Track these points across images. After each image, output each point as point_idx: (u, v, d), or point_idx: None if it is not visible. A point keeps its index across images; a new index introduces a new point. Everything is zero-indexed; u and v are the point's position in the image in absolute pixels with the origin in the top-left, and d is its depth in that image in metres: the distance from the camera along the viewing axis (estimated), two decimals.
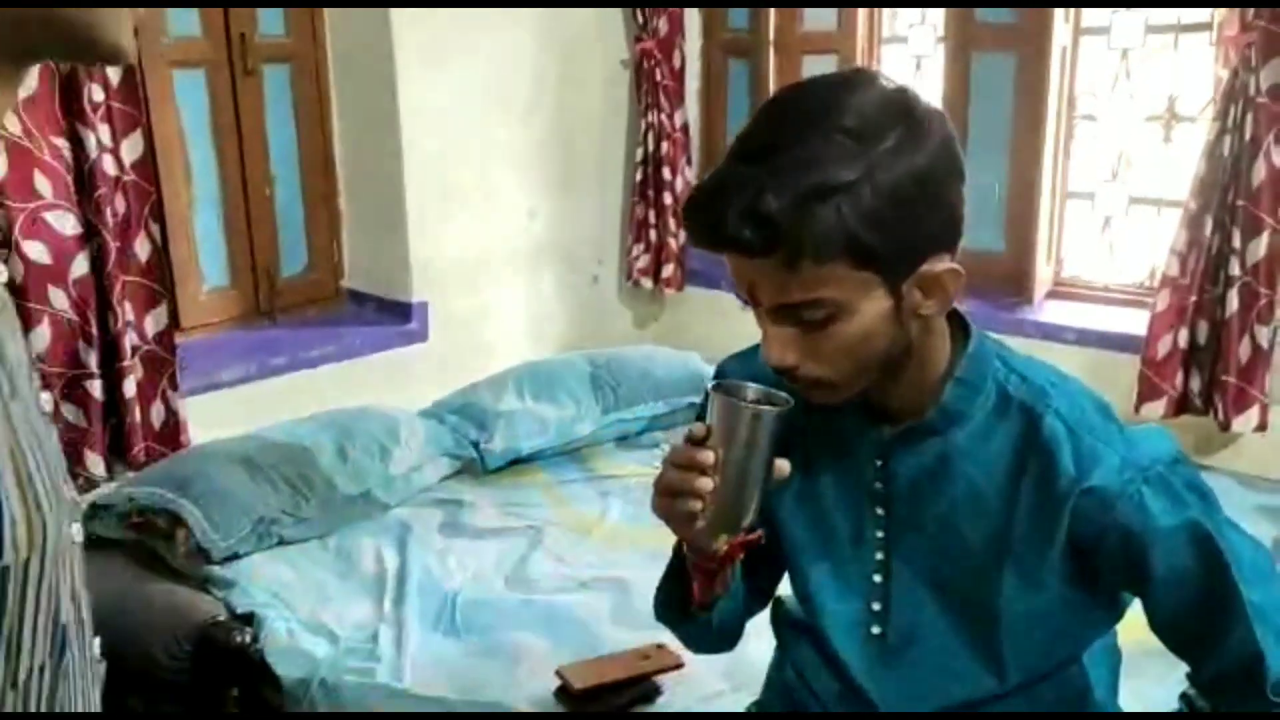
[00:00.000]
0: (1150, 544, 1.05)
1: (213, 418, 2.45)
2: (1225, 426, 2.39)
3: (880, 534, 1.19)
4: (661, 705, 1.63)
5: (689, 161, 3.29)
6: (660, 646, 1.69)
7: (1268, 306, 2.35)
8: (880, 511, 1.19)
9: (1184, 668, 1.16)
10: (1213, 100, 2.38)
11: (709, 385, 1.08)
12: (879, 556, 1.19)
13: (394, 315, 2.89)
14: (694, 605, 1.24)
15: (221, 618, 1.86)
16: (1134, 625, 1.20)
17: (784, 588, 1.33)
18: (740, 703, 1.43)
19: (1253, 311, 2.35)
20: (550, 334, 3.23)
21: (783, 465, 1.08)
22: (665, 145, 3.20)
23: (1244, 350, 2.36)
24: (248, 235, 2.74)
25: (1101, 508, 1.05)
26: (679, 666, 1.67)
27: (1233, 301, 2.35)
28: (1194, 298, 2.41)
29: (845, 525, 1.21)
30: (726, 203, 0.98)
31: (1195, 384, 2.45)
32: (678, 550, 1.24)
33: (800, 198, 0.96)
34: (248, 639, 1.81)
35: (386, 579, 2.01)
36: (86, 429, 2.17)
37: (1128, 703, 1.27)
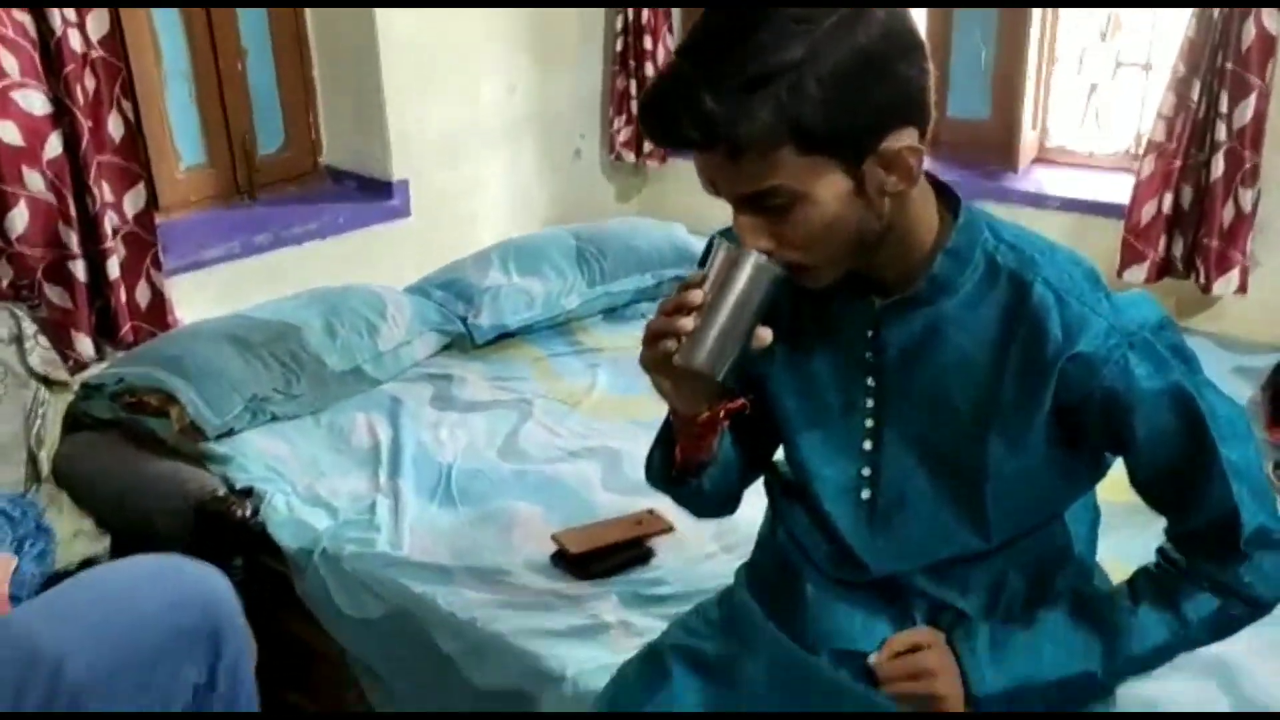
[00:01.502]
0: (1134, 407, 1.08)
1: (197, 297, 2.44)
2: (1206, 289, 2.42)
3: (870, 403, 1.21)
4: (654, 567, 1.68)
5: (670, 29, 3.21)
6: (651, 512, 1.74)
7: (1252, 171, 2.36)
8: (870, 381, 1.21)
9: (1159, 524, 1.21)
10: None
11: (717, 233, 1.09)
12: (869, 424, 1.22)
13: (375, 192, 2.86)
14: (675, 468, 1.28)
15: (221, 492, 1.89)
16: (1113, 483, 1.24)
17: (778, 453, 1.36)
18: (730, 564, 1.47)
19: (1237, 175, 2.35)
20: (533, 209, 3.20)
21: (764, 333, 1.10)
22: (645, 13, 3.13)
23: (1227, 214, 2.37)
24: (222, 112, 2.68)
25: (1088, 373, 1.08)
26: (670, 530, 1.71)
27: (1218, 166, 2.35)
28: (1179, 162, 2.41)
29: (836, 395, 1.24)
30: (670, 103, 1.00)
31: (1178, 248, 2.47)
32: (668, 417, 1.27)
33: (738, 91, 0.96)
34: (248, 512, 1.85)
35: (381, 452, 2.04)
36: (72, 310, 2.16)
37: (1105, 557, 1.32)
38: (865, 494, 1.23)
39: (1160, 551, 1.21)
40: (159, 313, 2.32)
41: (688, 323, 1.07)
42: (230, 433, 2.06)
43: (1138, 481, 1.15)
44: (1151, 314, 1.12)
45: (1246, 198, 2.37)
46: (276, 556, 1.87)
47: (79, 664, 1.15)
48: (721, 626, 1.34)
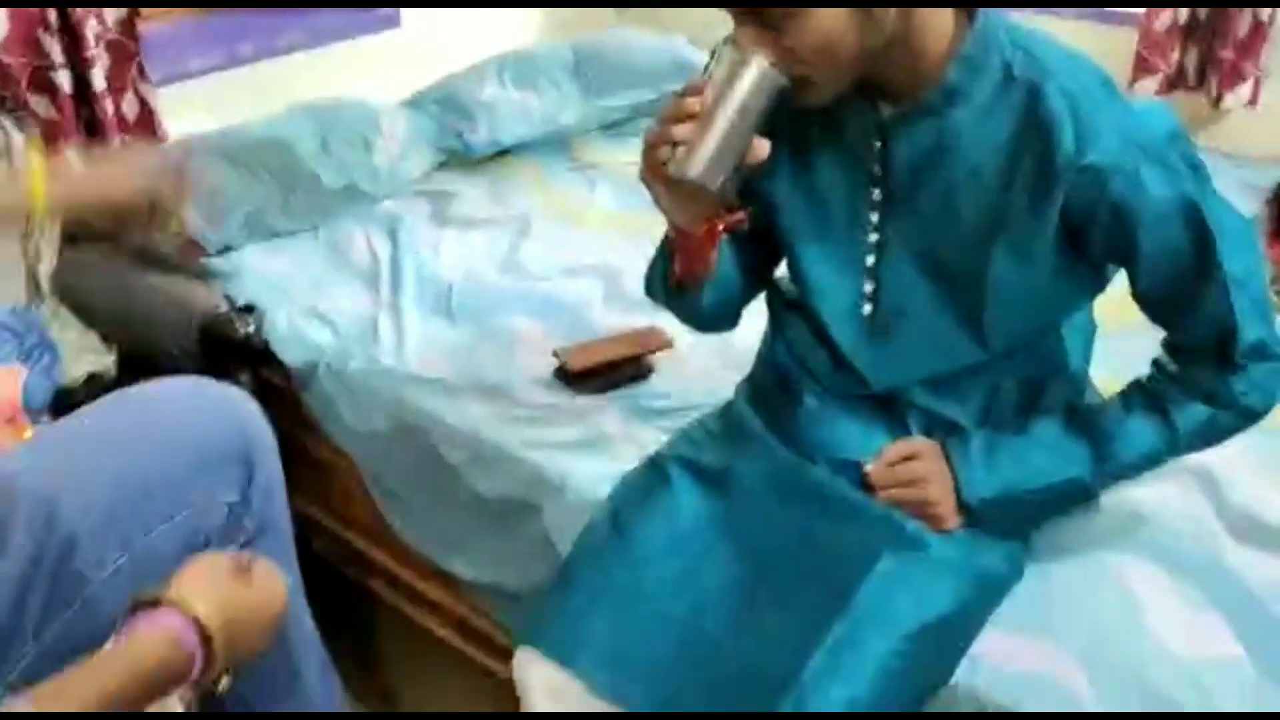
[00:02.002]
0: (1141, 218, 1.08)
1: (185, 110, 2.38)
2: (1217, 103, 2.37)
3: (875, 216, 1.21)
4: (654, 382, 1.71)
5: None
6: (652, 328, 1.75)
7: None
8: (876, 194, 1.20)
9: (1154, 341, 1.22)
10: None
11: (724, 38, 1.07)
12: (873, 238, 1.22)
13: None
14: (673, 282, 1.28)
15: (223, 309, 1.89)
16: (1109, 299, 1.25)
17: (780, 268, 1.36)
18: (730, 379, 1.50)
19: None
20: (528, 20, 3.09)
21: (761, 145, 1.09)
22: None
23: (1243, 25, 2.30)
24: None
25: (1098, 183, 1.07)
26: (670, 346, 1.73)
27: None
28: None
29: (841, 208, 1.23)
30: None
31: (1191, 60, 2.40)
32: (668, 230, 1.26)
33: None
34: (251, 328, 1.86)
35: (381, 269, 2.04)
36: (59, 122, 2.12)
37: (1098, 370, 1.34)
38: (866, 308, 1.25)
39: (1155, 362, 1.23)
40: (147, 125, 2.26)
41: (683, 130, 1.06)
42: (229, 249, 2.05)
43: (1139, 292, 1.16)
44: (1165, 124, 1.10)
45: (1265, 10, 2.29)
46: (281, 372, 1.89)
47: (96, 490, 1.16)
48: (721, 437, 1.37)
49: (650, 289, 1.36)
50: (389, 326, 1.87)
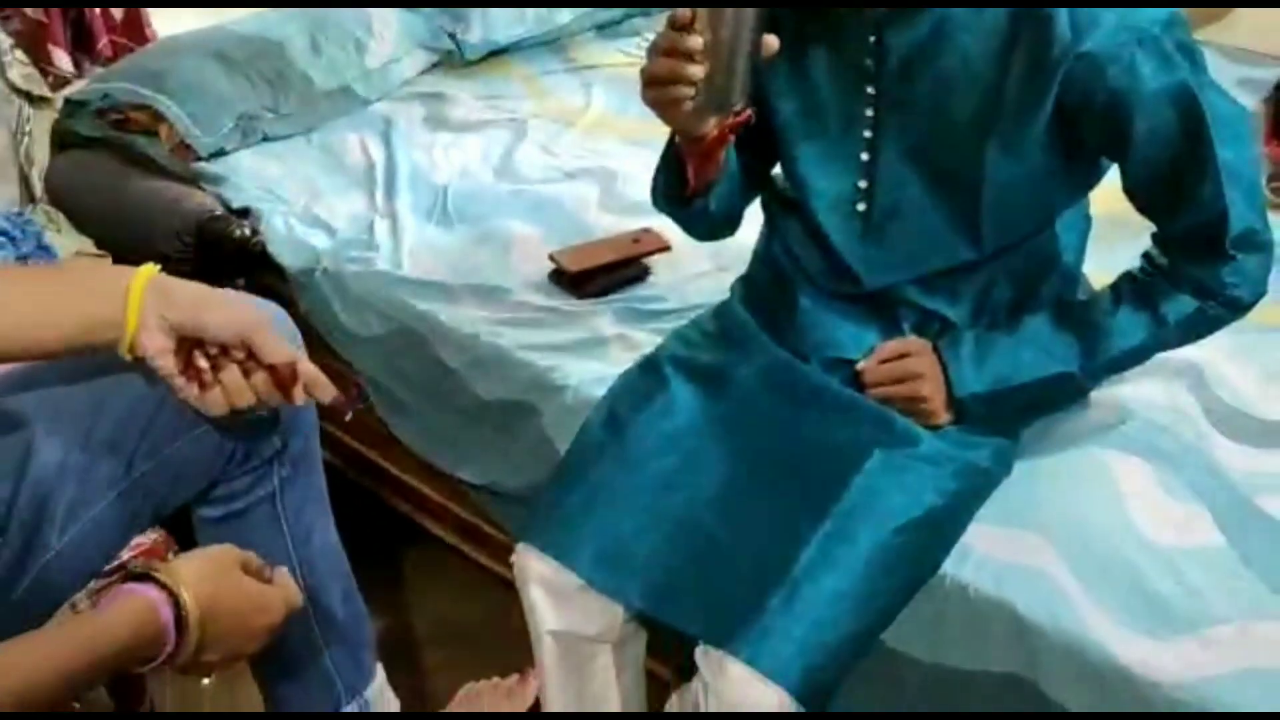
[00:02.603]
0: (1135, 106, 1.08)
1: (172, 10, 2.35)
2: None
3: (870, 112, 1.21)
4: (650, 284, 1.72)
5: None
6: (648, 230, 1.75)
7: None
8: (870, 90, 1.20)
9: (1146, 237, 1.23)
10: None
11: None
12: (867, 135, 1.22)
13: None
14: (689, 191, 1.28)
15: (218, 212, 1.89)
16: (1103, 194, 1.25)
17: (776, 167, 1.36)
18: (724, 280, 1.51)
19: None
20: None
21: (770, 41, 1.08)
22: None
23: None
24: None
25: (1093, 72, 1.07)
26: (667, 248, 1.73)
27: None
28: None
29: (835, 104, 1.23)
30: None
31: None
32: (670, 138, 1.26)
33: None
34: (247, 232, 1.86)
35: (375, 173, 2.03)
36: (46, 22, 2.09)
37: (1091, 268, 1.35)
38: (861, 206, 1.25)
39: (1145, 255, 1.24)
40: (135, 25, 2.25)
41: (697, 70, 1.05)
42: (222, 152, 2.04)
43: (1131, 183, 1.17)
44: (1161, 12, 1.09)
45: None
46: (277, 276, 1.90)
47: None
48: (717, 337, 1.38)
49: (656, 198, 1.35)
50: (385, 230, 1.87)
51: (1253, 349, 1.47)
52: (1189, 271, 1.18)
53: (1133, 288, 1.22)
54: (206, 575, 0.97)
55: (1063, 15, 1.07)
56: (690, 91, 1.07)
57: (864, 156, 1.23)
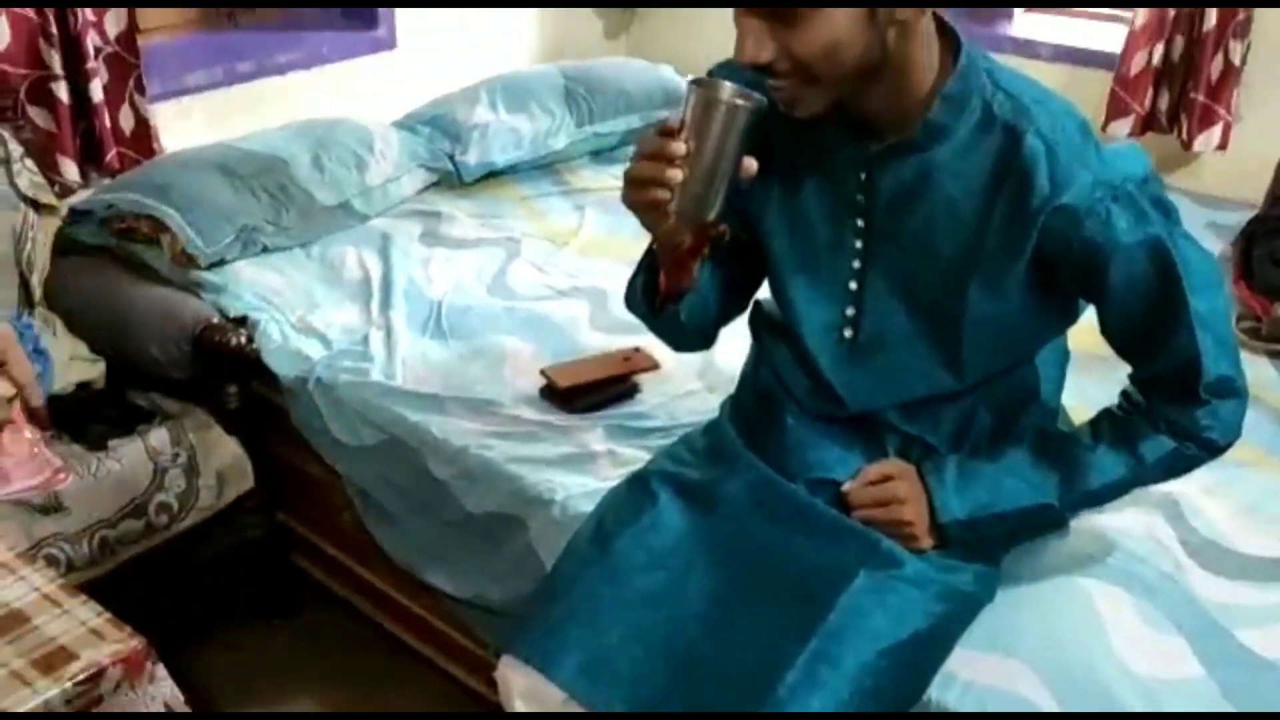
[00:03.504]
0: (1111, 257, 1.13)
1: (180, 125, 2.42)
2: (1188, 145, 2.44)
3: (858, 244, 1.26)
4: (639, 402, 1.75)
5: None
6: (638, 349, 1.79)
7: (1244, 22, 2.35)
8: (860, 223, 1.25)
9: (1123, 371, 1.27)
10: None
11: (689, 79, 1.11)
12: (855, 265, 1.26)
13: (361, 21, 2.80)
14: (659, 296, 1.31)
15: (216, 320, 1.92)
16: (1081, 330, 1.30)
17: (763, 291, 1.40)
18: (712, 400, 1.55)
19: (1230, 26, 2.34)
20: (520, 45, 3.14)
21: (750, 164, 1.13)
22: None
23: (1216, 67, 2.38)
24: None
25: (1071, 223, 1.12)
26: (656, 367, 1.77)
27: (1211, 16, 2.34)
28: (1173, 12, 2.39)
29: (825, 235, 1.27)
30: None
31: (1163, 102, 2.48)
32: (650, 245, 1.30)
33: None
34: (243, 340, 1.89)
35: (372, 286, 2.07)
36: (56, 133, 2.14)
37: (1069, 401, 1.39)
38: (848, 333, 1.29)
39: (1123, 394, 1.27)
40: (144, 139, 2.30)
41: (675, 174, 1.10)
42: (221, 262, 2.08)
43: (1107, 328, 1.21)
44: (1137, 167, 1.16)
45: (1236, 51, 2.36)
46: (269, 384, 1.92)
47: None
48: (705, 455, 1.41)
49: (630, 302, 1.39)
50: (380, 342, 1.90)
51: (1228, 484, 1.51)
52: (1166, 413, 1.22)
53: (1112, 425, 1.26)
54: None
55: (1043, 167, 1.12)
56: (667, 195, 1.11)
57: (852, 286, 1.27)
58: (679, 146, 1.09)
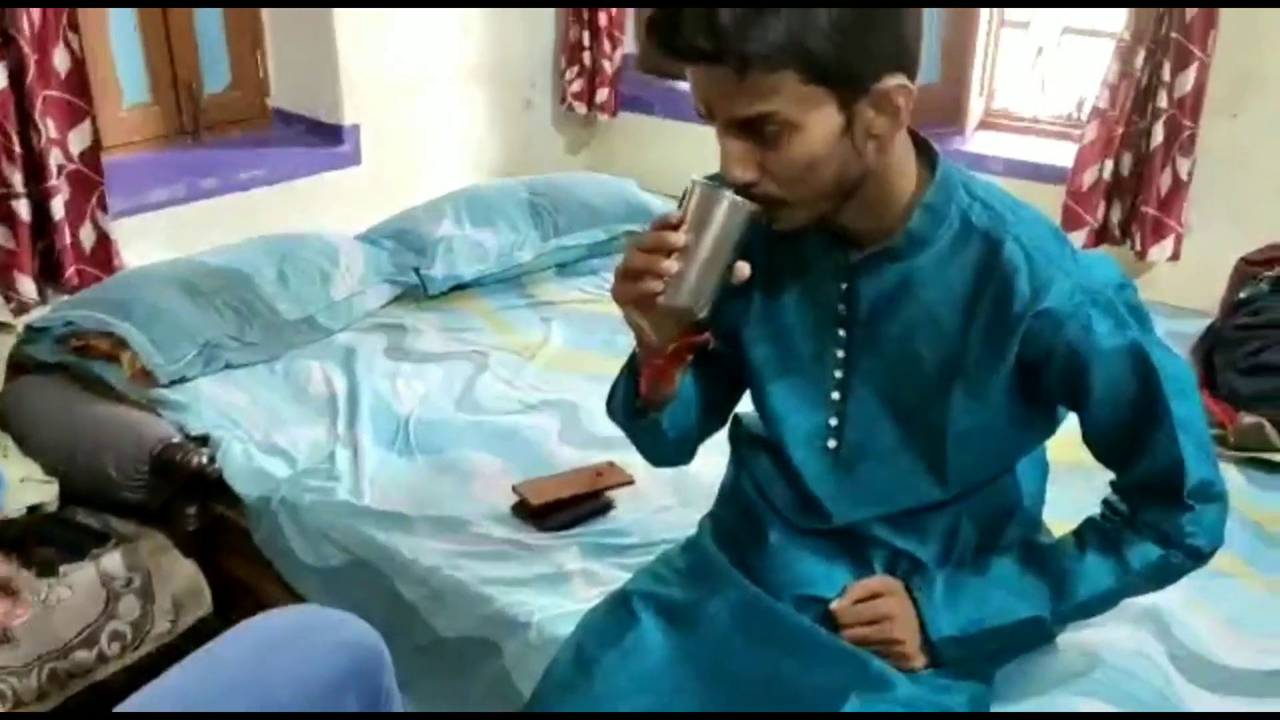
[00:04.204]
0: (1093, 362, 1.14)
1: (142, 241, 2.40)
2: (1141, 256, 2.50)
3: (840, 354, 1.25)
4: (614, 518, 1.71)
5: None
6: (611, 464, 1.77)
7: (1190, 139, 2.43)
8: (841, 333, 1.25)
9: (1101, 482, 1.27)
10: None
11: (693, 178, 1.12)
12: (838, 375, 1.26)
13: (324, 137, 2.82)
14: (640, 401, 1.30)
15: (176, 439, 1.87)
16: (1059, 442, 1.29)
17: (742, 406, 1.39)
18: (689, 516, 1.52)
19: (1176, 143, 2.43)
20: (483, 159, 3.18)
21: (742, 267, 1.13)
22: None
23: (1165, 181, 2.45)
24: (167, 48, 2.61)
25: (1052, 328, 1.13)
26: (630, 483, 1.74)
27: (1158, 134, 2.42)
28: (1121, 129, 2.48)
29: (807, 345, 1.27)
30: (684, 13, 1.02)
31: (1116, 215, 2.55)
32: (632, 353, 1.29)
33: (751, 8, 1.00)
34: (205, 459, 1.84)
35: (338, 402, 2.04)
36: (15, 251, 2.11)
37: (1048, 515, 1.38)
38: (831, 443, 1.28)
39: (1106, 503, 1.27)
40: (104, 256, 2.27)
41: (672, 265, 1.10)
42: (183, 380, 2.04)
43: (1090, 434, 1.21)
44: (1113, 274, 1.17)
45: (1184, 166, 2.45)
46: (230, 504, 1.87)
47: None
48: (687, 574, 1.37)
49: (611, 409, 1.36)
50: (346, 460, 1.86)
51: (1210, 595, 1.50)
52: (1150, 519, 1.21)
53: (1097, 534, 1.25)
54: None
55: (1023, 273, 1.14)
56: (659, 288, 1.11)
57: (835, 395, 1.27)
58: (679, 238, 1.10)
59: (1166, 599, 1.43)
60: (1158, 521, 1.20)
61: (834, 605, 1.28)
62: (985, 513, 1.29)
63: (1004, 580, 1.25)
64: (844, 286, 1.23)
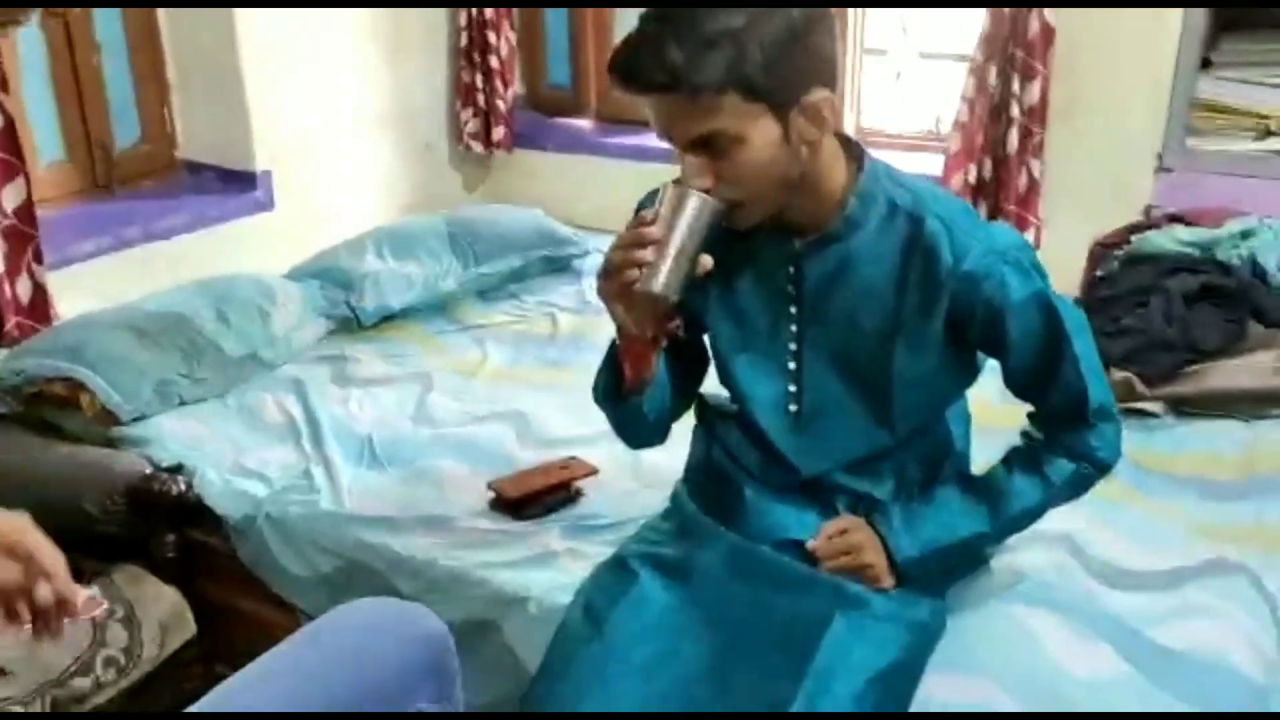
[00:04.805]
0: (1008, 312, 1.36)
1: (74, 291, 2.44)
2: None
3: (793, 328, 1.45)
4: (584, 505, 1.86)
5: (512, 25, 3.38)
6: (574, 458, 1.92)
7: (1039, 144, 2.75)
8: (793, 310, 1.45)
9: (1010, 435, 1.49)
10: None
11: (666, 181, 1.30)
12: (792, 347, 1.46)
13: (236, 184, 2.89)
14: (626, 388, 1.46)
15: (149, 470, 1.94)
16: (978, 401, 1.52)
17: (706, 387, 1.58)
18: (650, 498, 1.70)
19: (1028, 148, 2.74)
20: (390, 200, 3.30)
21: (706, 260, 1.32)
22: (489, 11, 3.28)
23: (1022, 182, 2.77)
24: (79, 107, 2.66)
25: (973, 286, 1.35)
26: (595, 473, 1.90)
27: (1012, 141, 2.73)
28: (980, 138, 2.78)
29: (763, 323, 1.47)
30: (642, 54, 1.23)
31: (982, 212, 2.84)
32: (612, 344, 1.46)
33: (697, 46, 1.21)
34: (183, 487, 1.91)
35: (298, 424, 2.13)
36: None
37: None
38: (792, 407, 1.47)
39: (1024, 433, 1.50)
40: (41, 308, 2.31)
41: (647, 254, 1.28)
42: (143, 417, 2.10)
43: (1009, 374, 1.44)
44: (1015, 237, 1.41)
45: (1036, 167, 2.76)
46: (207, 530, 1.94)
47: None
48: (674, 534, 1.55)
49: (597, 395, 1.52)
50: (321, 474, 1.96)
51: (1112, 519, 1.75)
52: (1063, 440, 1.44)
53: (1020, 458, 1.47)
54: None
55: (944, 243, 1.36)
56: (637, 275, 1.28)
57: (791, 365, 1.46)
58: (654, 232, 1.27)
59: (1074, 524, 1.68)
60: (1069, 441, 1.43)
61: (810, 544, 1.46)
62: (927, 455, 1.51)
63: (949, 506, 1.46)
64: (791, 270, 1.43)
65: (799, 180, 1.33)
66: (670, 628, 1.43)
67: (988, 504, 1.45)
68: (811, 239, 1.41)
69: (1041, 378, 1.43)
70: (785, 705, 1.30)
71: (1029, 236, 2.78)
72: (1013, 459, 1.49)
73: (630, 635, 1.42)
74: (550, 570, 1.68)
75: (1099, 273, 2.48)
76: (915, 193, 1.39)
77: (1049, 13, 2.64)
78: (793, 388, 1.47)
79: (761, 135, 1.27)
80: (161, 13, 2.79)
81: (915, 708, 1.38)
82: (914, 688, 1.39)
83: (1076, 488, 1.47)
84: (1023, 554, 1.64)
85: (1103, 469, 1.46)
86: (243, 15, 2.75)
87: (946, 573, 1.51)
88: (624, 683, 1.37)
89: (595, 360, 1.52)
